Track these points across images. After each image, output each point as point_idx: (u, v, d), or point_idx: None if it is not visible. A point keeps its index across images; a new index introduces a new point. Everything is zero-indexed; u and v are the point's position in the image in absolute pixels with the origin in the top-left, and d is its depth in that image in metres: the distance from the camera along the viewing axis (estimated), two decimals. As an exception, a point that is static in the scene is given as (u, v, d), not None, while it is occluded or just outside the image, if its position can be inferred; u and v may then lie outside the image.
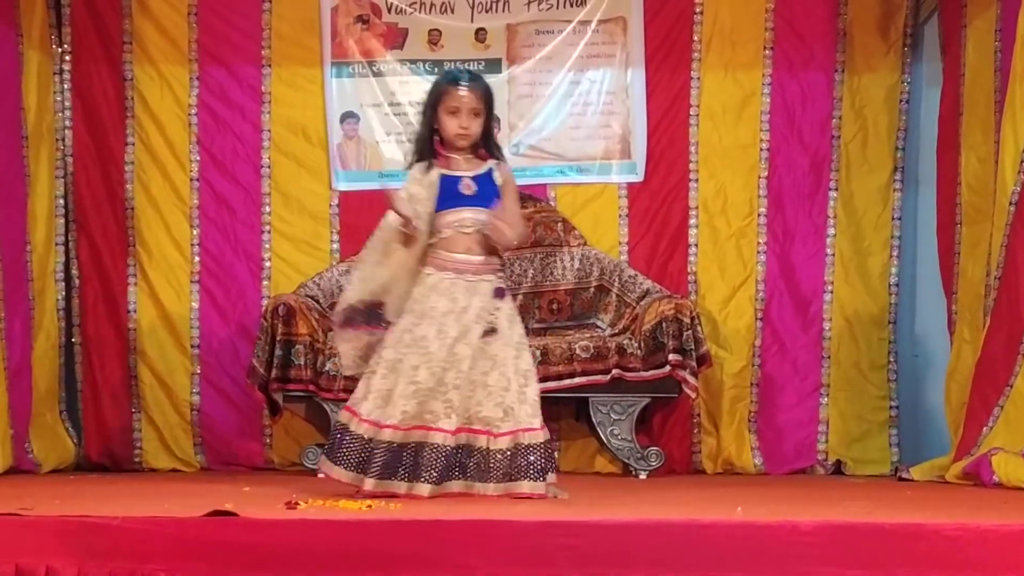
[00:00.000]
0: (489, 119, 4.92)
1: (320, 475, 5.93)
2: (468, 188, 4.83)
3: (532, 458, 4.67)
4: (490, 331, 4.76)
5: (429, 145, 4.88)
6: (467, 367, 4.71)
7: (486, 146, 4.92)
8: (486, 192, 4.85)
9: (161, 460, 6.65)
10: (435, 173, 4.84)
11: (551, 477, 4.77)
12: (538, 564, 3.39)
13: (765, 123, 6.78)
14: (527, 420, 4.70)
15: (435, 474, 4.62)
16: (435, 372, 4.69)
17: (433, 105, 4.88)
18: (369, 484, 4.60)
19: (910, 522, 3.53)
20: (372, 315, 4.81)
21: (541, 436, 4.71)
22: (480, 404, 4.71)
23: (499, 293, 4.82)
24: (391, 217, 4.81)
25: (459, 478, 4.68)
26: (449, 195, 4.83)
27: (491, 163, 4.91)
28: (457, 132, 4.83)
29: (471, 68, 6.66)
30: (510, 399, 4.71)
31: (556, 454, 4.84)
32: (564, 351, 6.09)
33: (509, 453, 4.67)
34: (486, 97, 4.89)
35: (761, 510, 4.12)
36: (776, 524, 3.47)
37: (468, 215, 4.82)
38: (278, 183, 6.79)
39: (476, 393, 4.71)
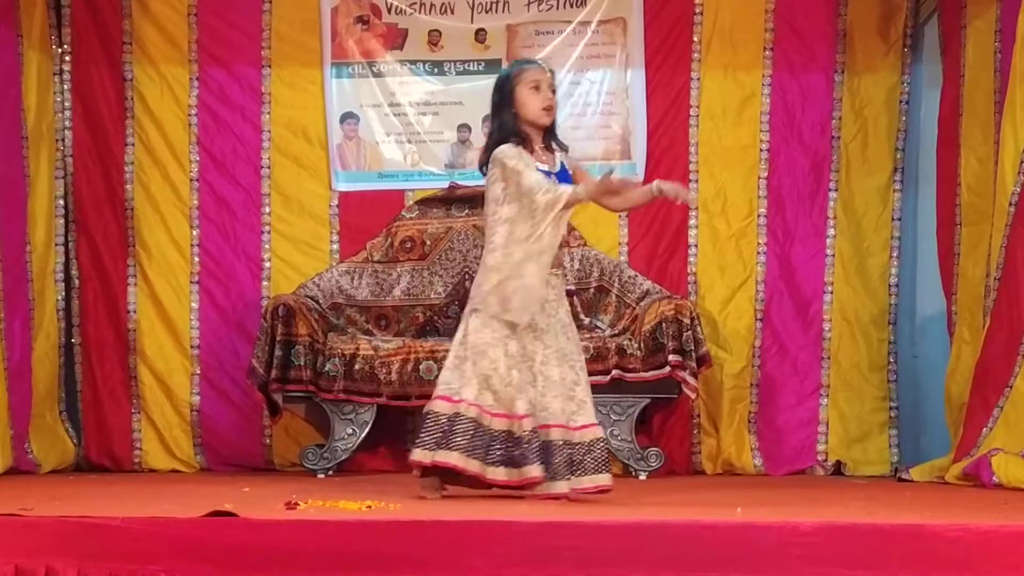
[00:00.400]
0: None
1: (321, 475, 5.94)
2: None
3: (600, 451, 4.73)
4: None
5: (515, 126, 4.80)
6: (553, 363, 4.74)
7: (553, 136, 4.89)
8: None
9: (161, 460, 6.65)
10: (530, 160, 4.77)
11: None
12: (538, 564, 3.39)
13: (765, 124, 6.78)
14: (591, 415, 4.76)
15: (563, 469, 4.66)
16: (547, 364, 4.74)
17: (510, 89, 4.81)
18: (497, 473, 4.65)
19: (910, 523, 3.53)
20: None
21: (601, 431, 4.77)
22: (555, 397, 4.71)
23: (571, 293, 4.87)
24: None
25: (567, 476, 4.68)
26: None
27: (559, 155, 4.89)
28: (544, 105, 4.79)
29: (471, 68, 6.71)
30: (581, 393, 4.75)
31: None
32: (564, 352, 6.08)
33: (585, 448, 4.69)
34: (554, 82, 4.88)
35: (761, 511, 4.12)
36: (776, 525, 3.47)
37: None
38: (278, 184, 6.79)
39: (558, 388, 4.72)
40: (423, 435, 4.68)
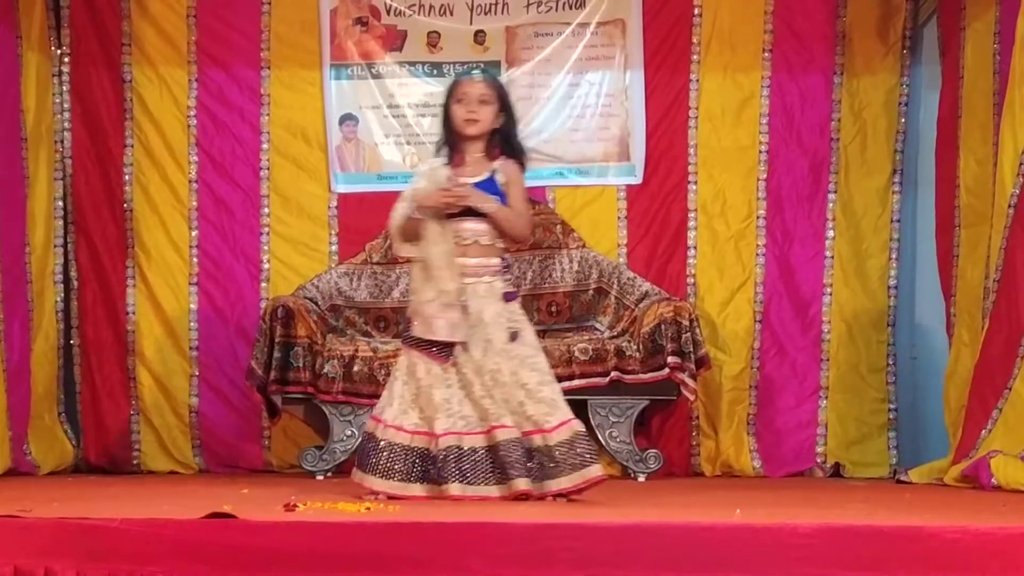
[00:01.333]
0: (508, 117, 4.89)
1: (319, 477, 5.94)
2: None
3: (589, 443, 4.72)
4: (513, 334, 4.75)
5: (447, 140, 4.88)
6: (503, 367, 4.71)
7: (507, 144, 4.89)
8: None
9: (160, 462, 6.65)
10: (445, 173, 4.82)
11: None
12: (537, 566, 3.39)
13: (764, 125, 6.78)
14: (565, 412, 4.73)
15: (522, 469, 4.63)
16: (454, 377, 4.71)
17: (446, 102, 4.90)
18: (393, 487, 4.64)
19: (909, 525, 3.53)
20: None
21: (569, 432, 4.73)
22: (522, 403, 4.70)
23: (509, 297, 4.82)
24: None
25: (500, 481, 4.66)
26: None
27: (496, 164, 4.86)
28: (464, 118, 4.81)
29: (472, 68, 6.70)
30: (548, 392, 4.73)
31: None
32: (563, 353, 6.08)
33: (566, 444, 4.67)
34: (496, 89, 4.88)
35: (760, 512, 4.12)
36: (775, 526, 3.47)
37: (468, 225, 4.80)
38: (277, 185, 6.79)
39: (515, 394, 4.70)
40: (359, 455, 4.80)
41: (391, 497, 4.58)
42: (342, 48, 6.82)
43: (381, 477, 4.67)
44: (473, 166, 4.85)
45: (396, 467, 4.66)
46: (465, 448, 4.66)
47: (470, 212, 4.77)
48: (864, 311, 6.76)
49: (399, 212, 4.86)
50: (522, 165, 4.91)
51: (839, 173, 6.78)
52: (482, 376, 4.71)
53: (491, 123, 4.85)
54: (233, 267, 6.77)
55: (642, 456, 6.19)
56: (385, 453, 4.68)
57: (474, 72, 4.95)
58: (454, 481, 4.62)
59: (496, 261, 4.86)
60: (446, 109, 4.89)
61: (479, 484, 4.64)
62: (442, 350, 4.71)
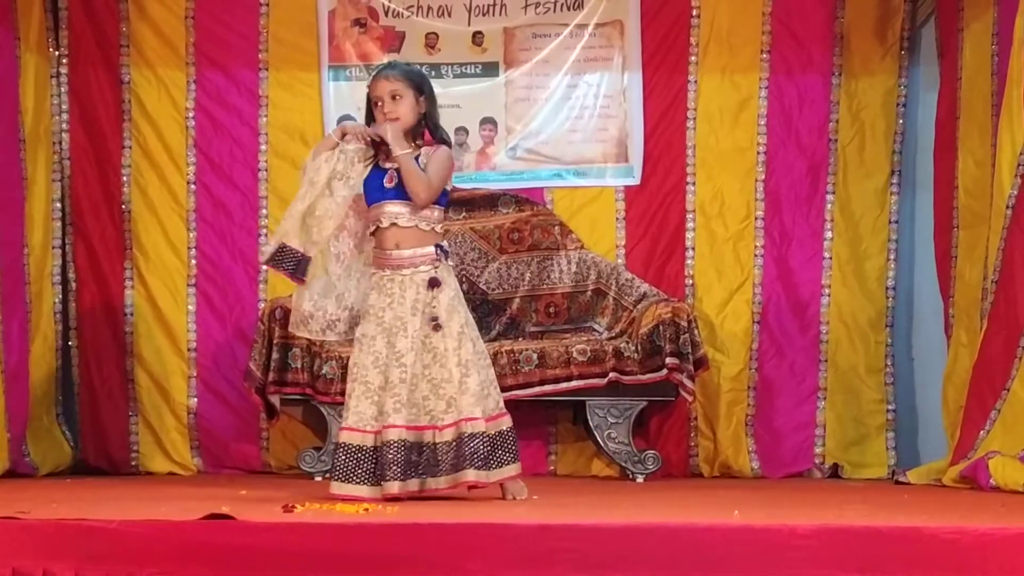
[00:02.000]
0: (428, 100, 4.86)
1: (318, 478, 5.95)
2: (390, 180, 4.80)
3: (474, 446, 4.65)
4: (435, 325, 4.73)
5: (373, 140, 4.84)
6: (410, 361, 4.70)
7: (435, 130, 4.88)
8: (377, 184, 4.82)
9: (158, 463, 6.65)
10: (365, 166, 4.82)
11: (509, 471, 4.73)
12: (535, 567, 3.39)
13: (762, 126, 6.78)
14: (468, 410, 4.68)
15: (397, 470, 4.62)
16: (381, 369, 4.70)
17: (367, 110, 4.90)
18: (334, 488, 4.64)
19: (907, 525, 3.53)
20: (299, 265, 4.78)
21: (482, 425, 4.68)
22: (426, 398, 4.70)
23: (433, 283, 4.77)
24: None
25: (414, 476, 4.66)
26: (373, 189, 4.81)
27: (422, 150, 4.84)
28: (387, 120, 4.80)
29: (468, 71, 6.73)
30: (451, 390, 4.69)
31: (516, 449, 4.77)
32: (561, 354, 6.08)
33: (454, 444, 4.66)
34: (404, 78, 4.83)
35: (758, 513, 4.12)
36: (773, 527, 3.47)
37: (388, 208, 4.78)
38: (275, 186, 6.79)
39: (420, 387, 4.70)
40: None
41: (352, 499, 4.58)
42: (340, 49, 6.82)
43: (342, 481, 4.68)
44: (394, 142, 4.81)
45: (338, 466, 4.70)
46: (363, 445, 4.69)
47: (392, 194, 4.76)
48: (862, 312, 6.76)
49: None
50: (448, 146, 4.91)
51: (837, 174, 6.78)
52: (393, 366, 4.70)
53: (411, 115, 4.82)
54: (231, 269, 6.77)
55: (640, 457, 6.19)
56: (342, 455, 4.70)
57: (375, 72, 4.92)
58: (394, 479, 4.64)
59: (430, 249, 4.82)
60: (368, 115, 4.89)
61: (357, 483, 4.65)
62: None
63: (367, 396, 4.69)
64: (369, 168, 4.82)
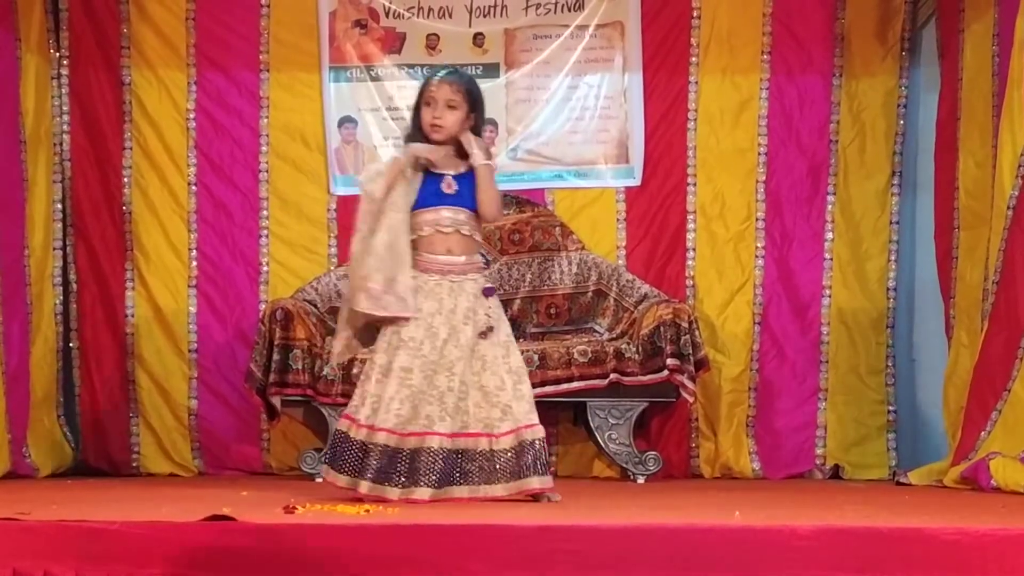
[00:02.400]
0: (477, 118, 4.88)
1: (319, 479, 5.95)
2: (449, 187, 4.80)
3: (536, 453, 4.68)
4: (488, 331, 4.75)
5: (417, 134, 4.85)
6: (460, 369, 4.70)
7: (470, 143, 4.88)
8: (467, 192, 4.82)
9: (159, 464, 6.65)
10: (378, 166, 4.85)
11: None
12: (536, 568, 3.39)
13: (763, 127, 6.78)
14: (526, 417, 4.71)
15: (434, 478, 4.62)
16: (427, 374, 4.69)
17: (417, 100, 4.89)
18: (364, 487, 4.60)
19: (908, 526, 3.53)
20: (369, 335, 4.81)
21: (541, 432, 4.73)
22: (478, 406, 4.70)
23: (488, 292, 4.82)
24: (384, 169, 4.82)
25: (461, 483, 4.66)
26: (430, 193, 4.81)
27: (479, 159, 4.84)
28: (430, 123, 4.80)
29: (469, 70, 6.72)
30: (505, 398, 4.71)
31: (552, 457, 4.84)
32: (562, 356, 6.08)
33: (513, 452, 4.67)
34: (465, 91, 4.84)
35: (759, 514, 4.12)
36: (774, 528, 3.47)
37: (447, 214, 4.80)
38: (276, 187, 6.79)
39: (471, 395, 4.71)
40: (327, 451, 4.79)
41: (358, 499, 4.58)
42: (341, 51, 6.82)
43: (353, 476, 4.66)
44: (447, 162, 4.83)
45: (370, 466, 4.65)
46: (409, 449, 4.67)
47: (452, 200, 4.77)
48: (863, 313, 6.76)
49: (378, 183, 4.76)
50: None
51: (838, 175, 6.78)
52: (442, 373, 4.70)
53: (458, 128, 4.83)
54: (232, 270, 6.77)
55: (641, 458, 6.19)
56: (358, 451, 4.66)
57: (442, 73, 4.91)
58: (424, 485, 4.62)
59: (478, 258, 4.90)
60: (417, 104, 4.88)
61: (391, 485, 4.63)
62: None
63: (410, 400, 4.67)
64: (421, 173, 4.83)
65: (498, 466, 4.66)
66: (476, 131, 4.88)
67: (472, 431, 4.69)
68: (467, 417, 4.70)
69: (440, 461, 4.63)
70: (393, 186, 4.73)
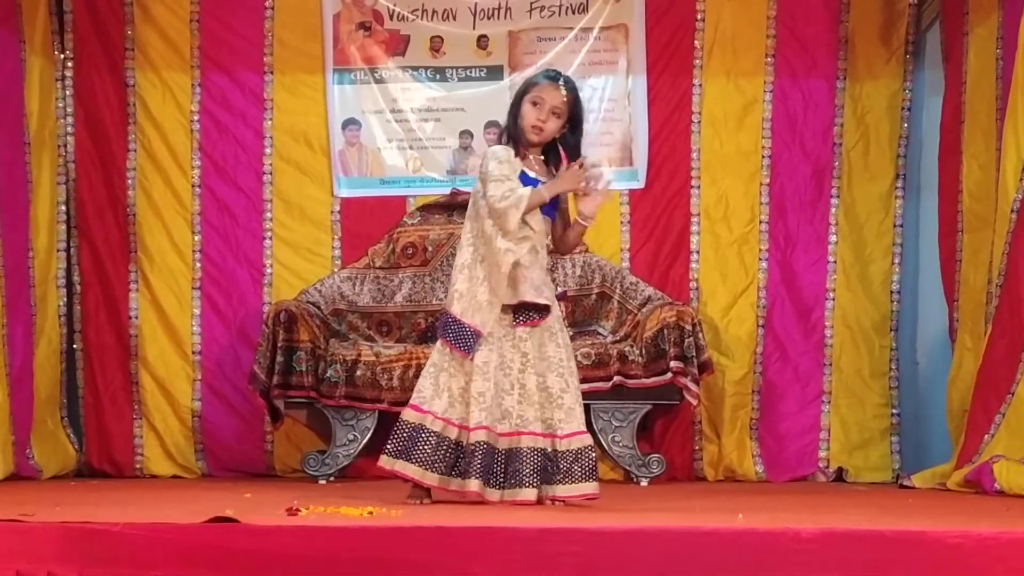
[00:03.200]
0: (573, 127, 4.84)
1: (322, 481, 5.94)
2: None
3: (593, 457, 4.72)
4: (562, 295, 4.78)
5: (516, 134, 4.81)
6: (528, 372, 4.71)
7: (573, 152, 4.83)
8: (553, 203, 4.83)
9: (162, 466, 6.65)
10: (517, 164, 4.78)
11: None
12: (539, 571, 3.39)
13: (767, 130, 6.78)
14: (580, 423, 4.75)
15: (535, 478, 4.64)
16: (499, 377, 4.70)
17: (519, 97, 4.83)
18: (474, 486, 4.60)
19: (912, 530, 3.53)
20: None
21: (590, 439, 4.77)
22: (542, 407, 4.71)
23: (561, 296, 4.85)
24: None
25: (530, 484, 4.66)
26: (546, 206, 4.79)
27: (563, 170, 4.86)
28: (532, 123, 4.77)
29: (472, 74, 6.73)
30: (569, 400, 4.73)
31: None
32: (565, 358, 6.08)
33: (575, 455, 4.68)
34: (572, 102, 4.81)
35: (762, 517, 4.12)
36: (777, 531, 3.47)
37: (545, 226, 4.84)
38: (280, 189, 6.80)
39: (534, 396, 4.71)
40: (390, 442, 4.74)
41: (423, 487, 4.64)
42: (345, 53, 6.82)
43: (424, 468, 4.66)
44: (536, 167, 4.84)
45: (440, 460, 4.65)
46: (495, 447, 4.67)
47: (544, 210, 4.78)
48: (867, 316, 6.76)
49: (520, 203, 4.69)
50: None
51: (842, 178, 6.78)
52: (514, 375, 4.71)
53: (551, 136, 4.82)
54: (236, 271, 6.77)
55: (645, 461, 6.18)
56: (431, 445, 4.66)
57: (554, 77, 4.86)
58: (474, 477, 4.62)
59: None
60: (517, 102, 4.82)
61: (493, 487, 4.65)
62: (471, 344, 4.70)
63: (492, 401, 4.68)
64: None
65: (560, 467, 4.67)
66: (564, 142, 4.85)
67: (533, 430, 4.69)
68: (528, 417, 4.69)
69: (538, 459, 4.65)
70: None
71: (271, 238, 6.78)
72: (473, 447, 4.63)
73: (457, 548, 3.44)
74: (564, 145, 4.83)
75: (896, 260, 6.77)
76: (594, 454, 4.75)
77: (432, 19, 6.82)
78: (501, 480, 4.65)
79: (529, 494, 4.63)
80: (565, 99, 4.78)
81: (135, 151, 6.75)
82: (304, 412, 6.50)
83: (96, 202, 6.71)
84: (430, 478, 4.66)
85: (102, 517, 3.63)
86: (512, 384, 4.70)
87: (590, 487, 4.68)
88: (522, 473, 4.64)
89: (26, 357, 6.17)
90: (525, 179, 4.76)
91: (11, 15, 6.18)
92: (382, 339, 6.51)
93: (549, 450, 4.68)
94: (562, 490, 4.67)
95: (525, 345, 4.73)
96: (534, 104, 4.78)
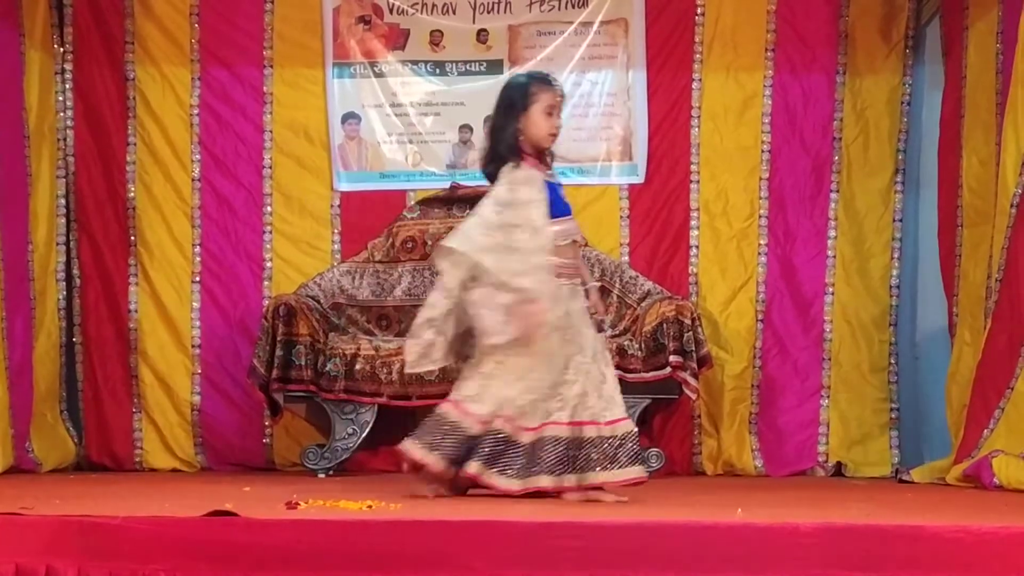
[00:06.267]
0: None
1: (321, 475, 5.95)
2: (567, 196, 4.89)
3: (635, 443, 4.76)
4: (600, 327, 4.90)
5: (515, 141, 4.78)
6: (581, 365, 4.74)
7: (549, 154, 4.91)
8: (565, 205, 4.88)
9: (161, 460, 6.65)
10: (537, 176, 4.77)
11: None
12: (539, 565, 3.39)
13: (766, 125, 6.78)
14: (621, 409, 4.77)
15: (558, 467, 4.65)
16: (553, 373, 4.70)
17: (526, 103, 4.79)
18: (474, 468, 4.61)
19: (910, 524, 3.53)
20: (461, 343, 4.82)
21: (631, 425, 4.81)
22: (586, 395, 4.72)
23: (604, 290, 4.90)
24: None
25: (570, 471, 4.68)
26: (558, 202, 4.81)
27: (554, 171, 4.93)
28: (551, 132, 4.80)
29: (472, 69, 6.73)
30: (609, 389, 4.76)
31: None
32: (565, 352, 6.08)
33: (618, 441, 4.70)
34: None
35: (761, 512, 4.12)
36: (776, 526, 3.47)
37: (573, 225, 4.88)
38: (279, 183, 6.80)
39: (582, 386, 4.73)
40: (422, 432, 4.72)
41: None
42: (345, 47, 6.82)
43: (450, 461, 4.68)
44: (543, 166, 4.86)
45: (517, 462, 4.65)
46: (546, 437, 4.69)
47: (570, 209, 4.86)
48: (866, 311, 6.76)
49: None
50: None
51: (841, 173, 6.78)
52: (573, 368, 4.74)
53: None
54: (236, 265, 6.77)
55: (644, 455, 6.16)
56: (502, 447, 4.67)
57: (557, 82, 4.91)
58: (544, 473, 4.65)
59: None
60: (523, 107, 4.78)
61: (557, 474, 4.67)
62: None
63: (531, 393, 4.70)
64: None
65: (606, 453, 4.69)
66: None
67: (580, 419, 4.70)
68: (576, 405, 4.71)
69: (561, 449, 4.66)
70: None
71: (271, 232, 6.78)
72: (532, 444, 4.67)
73: (457, 542, 3.44)
74: None
75: (895, 255, 6.77)
76: (638, 438, 4.81)
77: (432, 13, 6.82)
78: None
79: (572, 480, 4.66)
80: (563, 102, 4.91)
81: (135, 145, 6.75)
82: (303, 406, 6.51)
83: (96, 196, 6.71)
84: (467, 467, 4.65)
85: (101, 510, 3.63)
86: (566, 380, 4.73)
87: (637, 470, 4.71)
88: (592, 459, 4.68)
89: (25, 350, 6.17)
90: (552, 187, 4.80)
91: (11, 9, 6.18)
92: (381, 333, 6.51)
93: (587, 436, 4.69)
94: (604, 476, 4.67)
95: (580, 337, 4.77)
96: (550, 114, 4.80)
